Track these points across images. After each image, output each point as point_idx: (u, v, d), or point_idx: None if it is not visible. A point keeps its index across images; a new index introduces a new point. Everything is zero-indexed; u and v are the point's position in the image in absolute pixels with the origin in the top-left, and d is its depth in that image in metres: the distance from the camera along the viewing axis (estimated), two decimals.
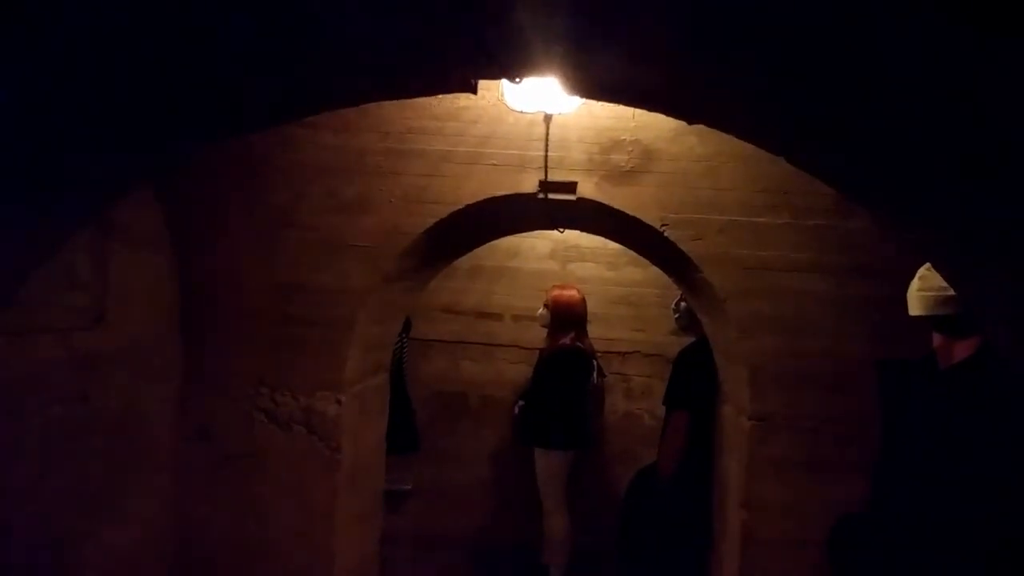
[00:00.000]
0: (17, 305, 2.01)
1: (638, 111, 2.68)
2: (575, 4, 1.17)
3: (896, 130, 1.22)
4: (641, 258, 3.93)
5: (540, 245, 4.85)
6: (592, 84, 1.44)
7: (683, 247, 2.82)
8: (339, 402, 2.90)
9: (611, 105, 2.61)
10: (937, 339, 2.21)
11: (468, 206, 2.89)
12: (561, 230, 4.06)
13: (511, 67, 1.44)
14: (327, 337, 2.89)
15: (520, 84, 2.24)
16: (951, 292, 2.00)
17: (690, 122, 1.72)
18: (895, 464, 2.28)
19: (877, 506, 2.33)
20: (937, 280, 2.03)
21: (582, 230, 4.03)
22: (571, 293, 4.44)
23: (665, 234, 2.83)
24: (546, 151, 2.82)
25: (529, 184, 2.87)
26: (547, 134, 2.82)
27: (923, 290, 2.15)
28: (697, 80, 1.30)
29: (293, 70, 1.50)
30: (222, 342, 2.91)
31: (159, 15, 1.18)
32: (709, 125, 1.63)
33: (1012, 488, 1.95)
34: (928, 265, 2.11)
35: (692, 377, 3.61)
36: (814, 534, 2.64)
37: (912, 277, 2.23)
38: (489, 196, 2.88)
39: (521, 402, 4.58)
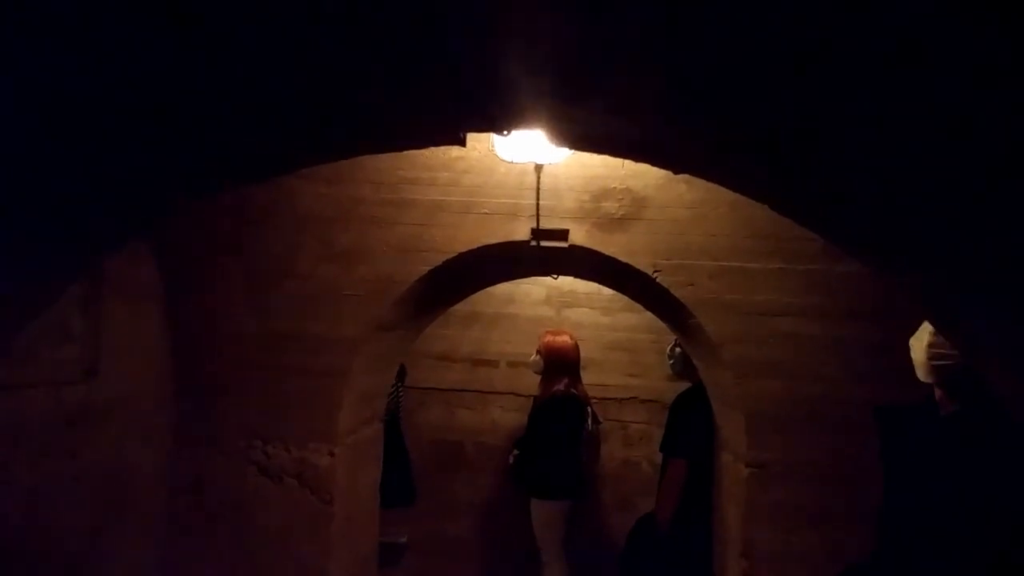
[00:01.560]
0: (8, 358, 2.01)
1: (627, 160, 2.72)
2: (559, 60, 1.20)
3: (881, 175, 1.23)
4: (636, 303, 3.94)
5: (535, 291, 4.86)
6: (577, 136, 1.46)
7: (676, 293, 2.83)
8: (332, 454, 2.87)
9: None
10: (939, 391, 2.20)
11: (461, 254, 2.90)
12: (555, 276, 4.08)
13: (498, 120, 1.46)
14: (320, 387, 2.87)
15: (508, 136, 2.28)
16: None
17: (675, 172, 1.75)
18: (898, 511, 2.25)
19: (882, 554, 2.29)
20: (948, 346, 2.01)
21: (575, 276, 4.05)
22: (563, 339, 4.43)
23: (657, 280, 2.84)
24: (537, 199, 2.85)
25: (522, 232, 2.89)
26: (538, 183, 2.85)
27: (936, 359, 2.12)
28: (678, 132, 1.32)
29: (285, 124, 1.52)
30: (214, 393, 2.89)
31: (150, 70, 1.21)
32: (693, 174, 1.65)
33: (1016, 534, 1.93)
34: (934, 329, 2.09)
35: (689, 424, 3.59)
36: None
37: (906, 318, 2.23)
38: (482, 244, 2.90)
39: (516, 451, 4.53)
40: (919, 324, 2.22)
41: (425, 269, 2.90)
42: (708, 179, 1.65)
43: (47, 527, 2.24)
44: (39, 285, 1.73)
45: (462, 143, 1.64)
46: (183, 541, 2.85)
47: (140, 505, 2.72)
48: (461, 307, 4.24)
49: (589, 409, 4.46)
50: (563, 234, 2.88)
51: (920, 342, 2.16)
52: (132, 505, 2.67)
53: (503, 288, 4.57)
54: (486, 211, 2.89)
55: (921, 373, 2.18)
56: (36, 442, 2.20)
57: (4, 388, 2.07)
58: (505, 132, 1.54)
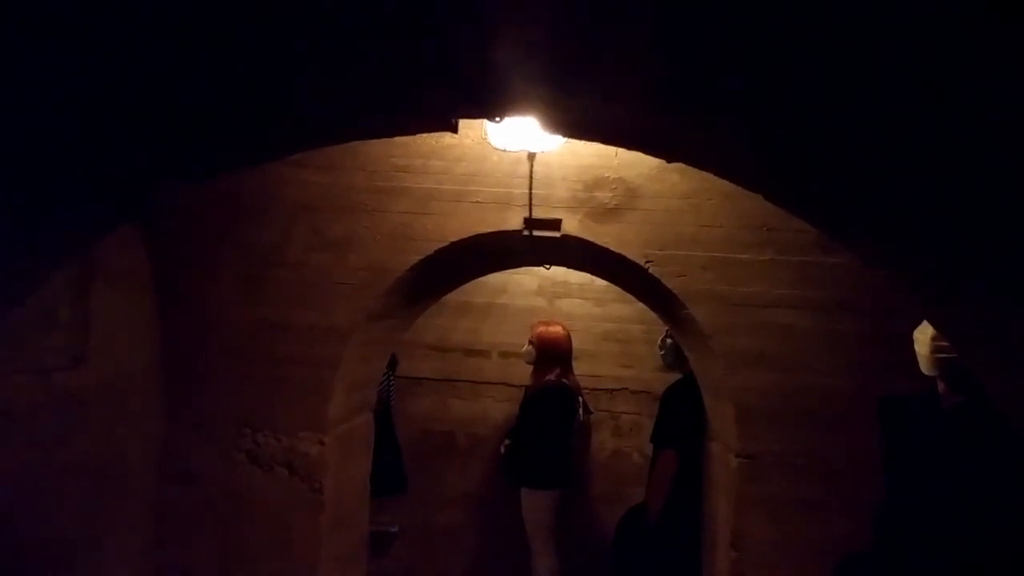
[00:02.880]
0: None
1: (621, 149, 2.71)
2: (552, 46, 1.19)
3: (878, 172, 1.23)
4: (628, 294, 3.93)
5: (527, 281, 4.85)
6: (570, 124, 1.45)
7: (667, 283, 2.83)
8: (322, 442, 2.86)
9: (594, 143, 2.63)
10: (941, 384, 2.20)
11: (453, 243, 2.89)
12: (547, 266, 4.07)
13: (491, 107, 1.45)
14: (311, 376, 2.86)
15: (501, 123, 2.27)
16: None
17: (669, 160, 1.74)
18: (898, 503, 2.25)
19: (880, 547, 2.30)
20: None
21: (568, 266, 4.04)
22: (556, 329, 4.43)
23: (649, 271, 2.84)
24: (530, 188, 2.83)
25: (514, 221, 2.88)
26: (531, 172, 2.83)
27: (940, 352, 2.11)
28: (672, 121, 1.31)
29: (277, 109, 1.51)
30: (205, 382, 2.88)
31: (139, 58, 1.19)
32: (687, 163, 1.64)
33: (1015, 529, 1.94)
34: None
35: (679, 415, 3.59)
36: (805, 574, 2.60)
37: (898, 312, 2.23)
38: (474, 233, 2.88)
39: (507, 441, 4.53)
40: (912, 317, 2.22)
41: (417, 258, 2.88)
42: (703, 169, 1.64)
43: (37, 515, 2.23)
44: (25, 270, 1.71)
45: (454, 130, 1.63)
46: (173, 529, 2.84)
47: (130, 492, 2.71)
48: (453, 297, 4.23)
49: (580, 399, 4.46)
50: (556, 224, 2.87)
51: (924, 335, 2.16)
52: (122, 492, 2.66)
53: (495, 278, 4.57)
54: (479, 200, 2.88)
55: (924, 366, 2.18)
56: (25, 429, 2.18)
57: None
58: (498, 119, 1.53)
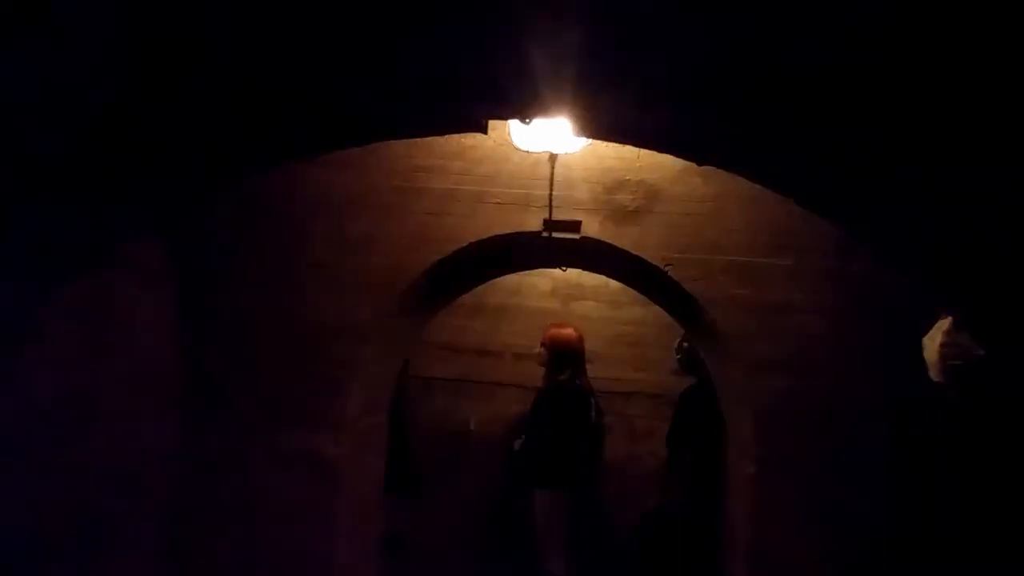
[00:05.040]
0: (19, 336, 2.01)
1: (643, 151, 2.70)
2: (587, 48, 1.19)
3: (905, 168, 1.23)
4: (642, 297, 3.92)
5: (542, 283, 4.84)
6: (602, 126, 1.45)
7: (687, 287, 2.82)
8: (339, 441, 2.86)
9: (616, 145, 2.64)
10: (951, 391, 2.20)
11: (472, 244, 2.89)
12: (564, 268, 4.06)
13: (523, 108, 1.45)
14: (329, 375, 2.87)
15: (530, 124, 2.26)
16: (979, 352, 1.98)
17: (698, 163, 1.74)
18: (910, 506, 2.25)
19: (886, 550, 2.30)
20: (964, 346, 2.00)
21: (585, 269, 4.03)
22: (568, 332, 4.42)
23: (669, 274, 2.83)
24: (551, 190, 2.83)
25: (534, 223, 2.88)
26: (552, 173, 2.83)
27: (949, 359, 2.12)
28: (705, 123, 1.31)
29: (312, 111, 1.51)
30: (223, 379, 2.89)
31: (179, 65, 1.20)
32: (717, 166, 1.64)
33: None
34: (947, 328, 2.09)
35: (697, 417, 3.58)
36: None
37: (917, 318, 2.23)
38: (494, 234, 2.88)
39: (519, 440, 4.52)
40: (931, 324, 2.22)
41: (436, 258, 2.89)
42: (733, 171, 1.64)
43: (57, 508, 2.24)
44: (56, 267, 1.72)
45: (484, 130, 1.64)
46: (192, 524, 2.85)
47: (149, 487, 2.72)
48: (467, 297, 4.22)
49: (593, 401, 4.45)
50: (575, 225, 2.86)
51: (933, 342, 2.16)
52: (142, 489, 2.67)
53: (509, 279, 4.56)
54: (499, 201, 2.88)
55: (934, 372, 2.18)
56: (45, 421, 2.19)
57: (18, 367, 2.07)
58: (528, 120, 1.53)
